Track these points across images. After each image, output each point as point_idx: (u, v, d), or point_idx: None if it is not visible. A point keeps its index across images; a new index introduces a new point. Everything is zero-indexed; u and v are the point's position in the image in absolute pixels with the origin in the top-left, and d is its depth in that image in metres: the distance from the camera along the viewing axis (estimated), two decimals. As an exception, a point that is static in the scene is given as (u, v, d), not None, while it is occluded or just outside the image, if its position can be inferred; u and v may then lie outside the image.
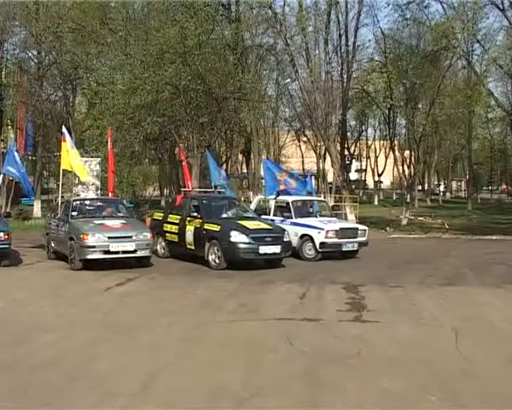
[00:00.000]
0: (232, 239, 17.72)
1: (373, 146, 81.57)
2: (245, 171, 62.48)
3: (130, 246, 17.38)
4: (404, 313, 12.06)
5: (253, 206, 24.18)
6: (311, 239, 20.35)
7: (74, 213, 18.73)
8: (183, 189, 24.80)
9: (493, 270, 18.82)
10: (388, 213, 44.53)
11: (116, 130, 25.71)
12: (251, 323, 10.89)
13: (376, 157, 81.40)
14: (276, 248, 18.12)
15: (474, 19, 38.13)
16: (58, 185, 23.09)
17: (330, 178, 59.48)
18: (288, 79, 50.60)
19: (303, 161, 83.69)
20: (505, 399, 7.17)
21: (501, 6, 38.04)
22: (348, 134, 62.26)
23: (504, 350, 9.32)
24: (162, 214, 21.49)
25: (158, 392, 7.24)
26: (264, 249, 17.92)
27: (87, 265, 17.05)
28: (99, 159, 24.74)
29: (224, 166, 56.46)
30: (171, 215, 20.56)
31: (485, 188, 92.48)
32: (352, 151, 74.94)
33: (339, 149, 46.73)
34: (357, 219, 32.92)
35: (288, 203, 21.96)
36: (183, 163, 23.75)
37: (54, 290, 14.41)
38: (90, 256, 17.06)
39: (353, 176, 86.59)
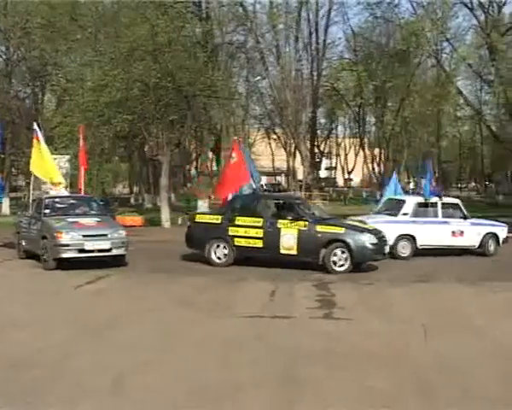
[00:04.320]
0: (367, 240, 17.33)
1: (343, 144, 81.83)
2: (215, 168, 62.39)
3: (105, 244, 16.94)
4: (375, 309, 12.14)
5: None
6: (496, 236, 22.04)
7: (47, 211, 18.17)
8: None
9: (461, 268, 18.93)
10: (359, 211, 44.59)
11: (86, 127, 25.47)
12: (224, 320, 10.87)
13: (346, 155, 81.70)
14: (387, 248, 18.27)
15: (444, 18, 38.50)
16: (28, 183, 22.76)
17: (300, 175, 59.54)
18: (259, 77, 50.64)
19: (273, 159, 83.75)
20: (481, 392, 7.28)
21: (470, 5, 38.47)
22: (318, 132, 62.54)
23: (477, 345, 9.42)
24: (216, 217, 18.71)
25: (133, 391, 7.22)
26: (386, 249, 18.10)
27: (60, 264, 16.67)
28: (68, 156, 24.54)
29: (194, 163, 56.47)
30: (239, 218, 18.10)
31: (454, 185, 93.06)
32: (321, 149, 75.11)
33: (309, 146, 46.95)
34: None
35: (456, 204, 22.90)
36: (234, 160, 20.41)
37: (25, 289, 14.27)
38: (64, 255, 16.59)
39: (323, 174, 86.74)
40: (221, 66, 39.38)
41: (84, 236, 16.74)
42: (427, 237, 21.01)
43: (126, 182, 67.75)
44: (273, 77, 44.56)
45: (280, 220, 17.70)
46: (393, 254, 19.87)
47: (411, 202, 22.12)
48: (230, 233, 17.94)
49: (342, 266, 17.04)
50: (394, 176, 28.50)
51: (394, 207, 22.17)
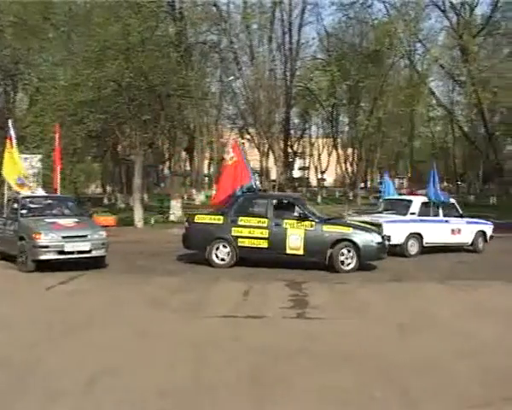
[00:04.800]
0: (374, 240, 17.76)
1: (316, 144, 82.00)
2: (188, 168, 62.29)
3: (85, 246, 16.50)
4: (347, 309, 12.21)
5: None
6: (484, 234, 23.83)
7: (24, 212, 17.63)
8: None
9: (437, 265, 19.19)
10: (332, 211, 44.74)
11: (58, 127, 25.28)
12: (197, 321, 10.87)
13: (319, 155, 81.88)
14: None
15: (416, 19, 38.79)
16: (2, 181, 22.42)
17: (274, 175, 59.59)
18: (232, 77, 50.62)
19: (246, 159, 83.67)
20: (453, 394, 7.34)
21: (442, 7, 38.77)
22: (291, 132, 62.58)
23: (450, 344, 9.50)
24: (218, 217, 18.37)
25: (105, 392, 7.18)
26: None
27: (38, 266, 16.22)
28: (40, 156, 24.37)
29: (167, 163, 56.30)
30: (243, 218, 18.00)
31: (426, 185, 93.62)
32: (295, 149, 75.26)
33: (282, 146, 46.98)
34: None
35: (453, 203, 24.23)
36: (234, 160, 19.89)
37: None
38: (43, 257, 16.12)
39: (296, 173, 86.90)
40: (194, 65, 39.32)
41: (63, 237, 16.31)
42: (432, 235, 22.08)
43: (99, 182, 67.35)
44: (246, 77, 44.60)
45: (286, 220, 17.80)
46: (403, 252, 21.14)
47: (418, 201, 22.99)
48: (234, 234, 17.84)
49: (349, 264, 17.36)
50: (387, 177, 29.28)
51: (400, 207, 23.03)
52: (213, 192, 58.41)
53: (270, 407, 6.88)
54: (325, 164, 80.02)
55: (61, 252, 16.27)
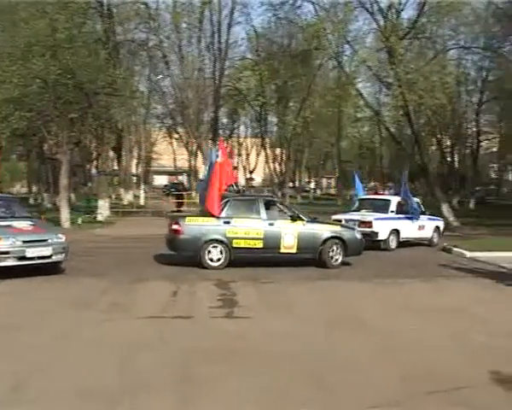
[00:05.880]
0: (358, 236, 19.42)
1: (244, 143, 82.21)
2: (116, 168, 61.61)
3: (46, 251, 15.49)
4: (275, 308, 12.28)
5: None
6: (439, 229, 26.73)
7: None
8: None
9: (367, 264, 19.47)
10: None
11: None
12: (124, 322, 10.76)
13: (248, 154, 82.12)
14: None
15: (345, 21, 39.05)
16: None
17: (202, 175, 59.45)
18: (161, 76, 50.30)
19: (175, 158, 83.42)
20: (376, 390, 7.45)
21: (370, 9, 39.12)
22: (220, 131, 62.48)
23: (375, 343, 9.64)
24: (211, 218, 18.08)
25: (27, 395, 7.04)
26: None
27: None
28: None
29: (95, 162, 55.51)
30: (237, 219, 18.12)
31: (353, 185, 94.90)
32: (223, 148, 75.19)
33: (210, 146, 46.79)
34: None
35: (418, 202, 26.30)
36: (222, 160, 19.45)
37: None
38: (2, 264, 14.83)
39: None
40: (123, 64, 38.91)
41: (24, 242, 15.15)
42: (406, 231, 24.68)
43: (25, 181, 66.15)
44: (175, 76, 44.35)
45: (279, 220, 18.46)
46: (386, 247, 23.62)
47: (395, 201, 25.32)
48: (229, 235, 17.88)
49: (337, 260, 18.67)
50: (357, 178, 30.04)
51: (379, 206, 25.18)
52: (141, 192, 58.23)
53: (197, 408, 6.85)
54: (254, 164, 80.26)
55: (22, 258, 15.11)
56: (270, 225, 18.24)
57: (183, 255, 18.28)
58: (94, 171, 65.38)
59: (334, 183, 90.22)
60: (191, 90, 43.26)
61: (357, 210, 25.55)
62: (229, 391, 7.32)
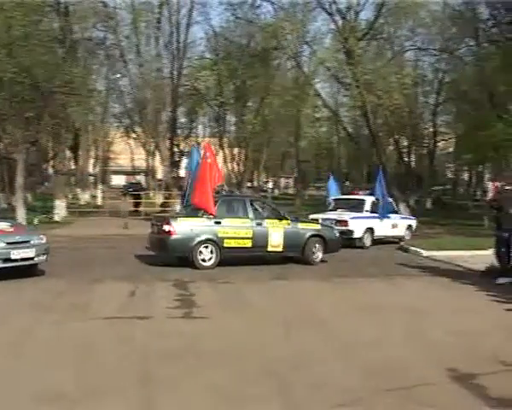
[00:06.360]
0: (337, 235, 20.61)
1: (203, 143, 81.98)
2: (73, 167, 61.06)
3: (30, 252, 15.13)
4: (233, 308, 12.29)
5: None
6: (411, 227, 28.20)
7: None
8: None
9: (327, 264, 19.64)
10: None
11: None
12: (81, 323, 10.65)
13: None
14: None
15: (304, 21, 39.22)
16: None
17: (160, 174, 59.15)
18: (118, 75, 49.94)
19: (132, 158, 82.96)
20: (337, 388, 7.47)
21: (329, 10, 39.35)
22: (178, 131, 62.20)
23: (334, 342, 9.70)
24: (202, 219, 18.20)
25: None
26: None
27: None
28: None
29: (52, 162, 54.98)
30: (227, 219, 18.37)
31: (311, 185, 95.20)
32: (182, 148, 74.92)
33: (168, 145, 46.63)
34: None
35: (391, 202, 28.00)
36: (210, 161, 19.58)
37: None
38: None
39: (183, 173, 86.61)
40: (80, 62, 38.55)
41: (8, 243, 14.78)
42: (380, 229, 25.82)
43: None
44: (133, 75, 43.97)
45: (267, 220, 19.03)
46: (361, 245, 24.67)
47: (370, 200, 26.40)
48: (220, 235, 18.10)
49: (318, 257, 19.62)
50: (332, 180, 31.35)
51: (354, 206, 26.41)
52: (98, 192, 57.80)
53: (156, 408, 6.82)
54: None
55: (7, 260, 14.75)
56: (258, 224, 18.73)
57: (174, 256, 18.38)
58: (51, 170, 64.78)
59: (293, 183, 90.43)
60: (149, 89, 42.91)
61: (334, 209, 26.68)
62: (188, 391, 7.28)
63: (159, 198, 48.20)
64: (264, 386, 7.48)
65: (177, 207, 35.94)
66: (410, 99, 52.33)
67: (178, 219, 18.40)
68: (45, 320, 10.76)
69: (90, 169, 73.90)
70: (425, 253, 22.39)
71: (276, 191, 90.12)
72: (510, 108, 42.00)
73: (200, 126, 79.98)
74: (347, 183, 74.12)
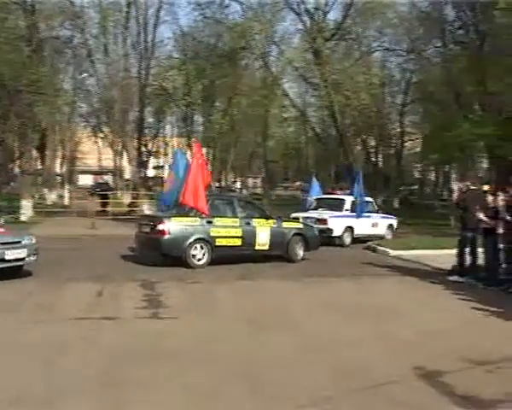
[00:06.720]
0: (316, 233, 21.28)
1: (171, 143, 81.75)
2: (40, 167, 60.54)
3: (22, 253, 15.01)
4: (201, 308, 12.29)
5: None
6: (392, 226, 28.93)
7: None
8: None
9: (290, 264, 19.61)
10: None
11: None
12: (49, 324, 10.55)
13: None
14: None
15: (272, 21, 39.28)
16: None
17: (128, 174, 58.85)
18: (86, 74, 49.60)
19: (100, 158, 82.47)
20: (307, 388, 7.52)
21: (297, 10, 39.48)
22: (146, 131, 62.01)
23: (302, 342, 9.72)
24: (194, 219, 18.35)
25: None
26: None
27: None
28: None
29: (18, 162, 54.50)
30: (219, 218, 18.70)
31: (279, 185, 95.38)
32: (149, 148, 74.71)
33: (136, 145, 46.44)
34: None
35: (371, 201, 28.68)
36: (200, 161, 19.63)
37: None
38: None
39: (151, 173, 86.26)
40: (47, 61, 38.25)
41: (1, 243, 14.62)
42: (360, 228, 26.44)
43: None
44: (100, 74, 43.72)
45: (255, 219, 19.46)
46: (341, 243, 25.39)
47: (349, 200, 27.09)
48: (212, 234, 18.38)
49: (299, 255, 20.20)
50: (314, 180, 31.83)
51: (334, 205, 27.16)
52: (65, 192, 57.35)
53: (124, 409, 6.80)
54: (180, 163, 79.88)
55: (2, 260, 14.58)
56: (247, 224, 19.16)
57: (168, 256, 18.29)
58: (17, 170, 64.17)
59: (260, 182, 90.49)
60: (117, 89, 42.66)
61: (316, 209, 27.37)
62: (157, 391, 7.27)
63: (126, 198, 47.95)
64: (235, 387, 7.47)
65: (145, 207, 35.82)
66: (378, 99, 52.61)
67: (172, 218, 18.37)
68: (12, 321, 10.65)
69: (57, 169, 73.26)
70: (392, 252, 22.53)
71: (244, 191, 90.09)
72: (476, 108, 42.47)
73: (167, 126, 79.81)
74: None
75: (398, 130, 65.61)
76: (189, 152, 20.71)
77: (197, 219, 18.29)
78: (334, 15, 53.91)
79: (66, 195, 55.95)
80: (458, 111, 40.50)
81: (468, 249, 16.45)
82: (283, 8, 40.63)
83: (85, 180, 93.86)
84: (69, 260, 18.75)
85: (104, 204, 41.94)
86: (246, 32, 37.88)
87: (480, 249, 16.41)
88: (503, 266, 15.53)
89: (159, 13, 45.09)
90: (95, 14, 41.15)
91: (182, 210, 18.68)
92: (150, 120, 68.93)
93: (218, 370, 8.12)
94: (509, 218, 14.95)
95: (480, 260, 16.37)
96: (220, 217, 18.79)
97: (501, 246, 15.46)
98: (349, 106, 42.23)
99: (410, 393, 7.44)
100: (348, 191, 30.10)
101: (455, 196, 18.42)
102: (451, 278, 16.46)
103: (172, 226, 17.93)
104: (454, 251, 17.19)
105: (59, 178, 71.91)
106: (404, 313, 12.11)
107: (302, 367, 8.34)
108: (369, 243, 25.36)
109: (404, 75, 59.36)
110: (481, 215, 15.66)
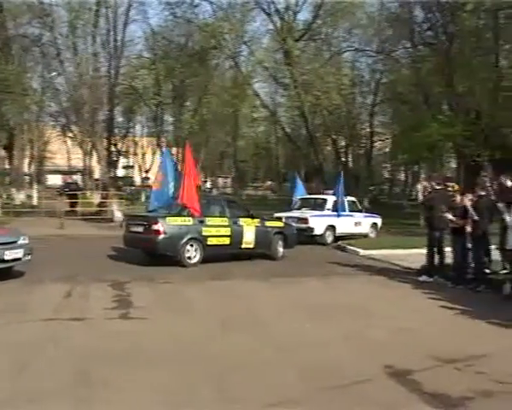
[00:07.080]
0: (294, 231, 21.93)
1: (140, 143, 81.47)
2: (7, 167, 59.96)
3: (19, 253, 15.02)
4: (171, 308, 12.26)
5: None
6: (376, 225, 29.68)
7: None
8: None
9: (259, 263, 19.73)
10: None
11: None
12: (16, 325, 10.44)
13: (144, 154, 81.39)
14: None
15: (242, 21, 39.34)
16: None
17: (97, 174, 58.50)
18: (54, 73, 49.19)
19: (69, 158, 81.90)
20: (276, 388, 7.54)
21: (267, 10, 39.58)
22: (115, 130, 61.73)
23: (271, 342, 9.73)
24: (188, 218, 18.57)
25: None
26: None
27: None
28: None
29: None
30: (209, 218, 19.10)
31: (249, 184, 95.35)
32: (119, 148, 74.35)
33: (105, 145, 46.17)
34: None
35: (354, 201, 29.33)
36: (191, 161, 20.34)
37: None
38: None
39: (120, 172, 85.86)
40: (14, 59, 37.88)
41: (1, 244, 14.60)
42: (342, 227, 26.89)
43: None
44: (69, 74, 43.37)
45: (241, 219, 19.93)
46: (322, 241, 25.84)
47: (331, 200, 27.43)
48: (204, 233, 18.74)
49: (280, 252, 20.93)
50: (298, 180, 32.58)
51: (316, 204, 27.90)
52: (34, 191, 56.89)
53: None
54: (149, 163, 79.63)
55: (1, 260, 14.59)
56: (235, 223, 19.61)
57: (162, 255, 18.36)
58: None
59: (231, 182, 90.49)
60: (86, 88, 42.35)
61: (299, 208, 27.93)
62: (127, 392, 7.24)
63: (96, 198, 47.65)
64: (203, 387, 7.46)
65: (114, 207, 35.61)
66: (348, 99, 52.85)
67: (166, 218, 18.44)
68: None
69: (26, 169, 72.58)
70: (362, 252, 22.65)
71: (215, 191, 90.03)
72: (445, 108, 42.80)
73: (137, 126, 79.50)
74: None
75: (368, 130, 65.86)
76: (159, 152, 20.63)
77: (190, 218, 18.57)
78: (304, 16, 54.17)
79: (35, 195, 55.47)
80: (427, 111, 40.79)
81: (435, 249, 16.60)
82: (254, 8, 40.80)
83: (54, 180, 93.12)
84: (37, 261, 18.53)
85: (73, 204, 41.64)
86: (216, 32, 37.93)
87: (447, 249, 16.56)
88: (472, 265, 15.67)
89: (129, 12, 44.84)
90: (64, 12, 40.83)
91: (173, 210, 19.05)
92: (120, 119, 68.68)
93: (185, 370, 8.11)
94: (476, 217, 15.09)
95: (448, 260, 16.51)
96: (211, 217, 19.18)
97: (469, 245, 15.61)
98: (319, 106, 42.43)
99: (380, 391, 7.49)
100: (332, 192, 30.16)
101: (420, 195, 18.68)
102: (420, 278, 16.59)
103: (167, 226, 18.09)
104: (423, 250, 17.33)
105: (27, 177, 71.31)
106: (374, 313, 12.15)
107: (271, 367, 8.35)
108: (339, 242, 25.47)
109: (374, 76, 59.58)
110: (450, 215, 15.78)
